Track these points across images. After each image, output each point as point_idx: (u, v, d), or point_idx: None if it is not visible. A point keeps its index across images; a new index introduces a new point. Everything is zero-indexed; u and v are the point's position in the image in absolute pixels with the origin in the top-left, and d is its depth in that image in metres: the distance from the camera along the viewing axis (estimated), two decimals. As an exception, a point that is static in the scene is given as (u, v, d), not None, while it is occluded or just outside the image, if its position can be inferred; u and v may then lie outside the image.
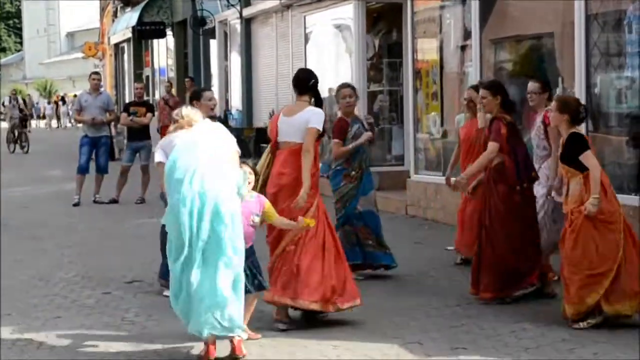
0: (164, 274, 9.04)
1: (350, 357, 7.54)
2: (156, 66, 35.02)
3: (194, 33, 28.42)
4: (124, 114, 18.44)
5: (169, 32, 31.63)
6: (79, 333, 8.34)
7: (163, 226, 7.75)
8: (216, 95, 27.21)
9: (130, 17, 34.43)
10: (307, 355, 7.58)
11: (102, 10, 45.78)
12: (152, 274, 10.86)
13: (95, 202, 17.70)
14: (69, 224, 15.24)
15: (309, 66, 20.01)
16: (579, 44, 11.65)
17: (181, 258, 7.17)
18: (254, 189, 8.03)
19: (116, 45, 40.58)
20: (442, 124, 15.32)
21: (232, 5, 23.98)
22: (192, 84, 26.23)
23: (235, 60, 25.43)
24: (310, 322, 8.55)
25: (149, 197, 17.39)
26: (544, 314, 8.75)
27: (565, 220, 8.52)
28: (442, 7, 15.36)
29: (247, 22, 24.07)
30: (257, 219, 7.86)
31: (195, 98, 9.56)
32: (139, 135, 18.17)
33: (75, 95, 37.93)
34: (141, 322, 8.77)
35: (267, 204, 8.00)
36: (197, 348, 7.59)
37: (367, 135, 10.57)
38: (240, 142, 9.39)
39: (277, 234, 8.48)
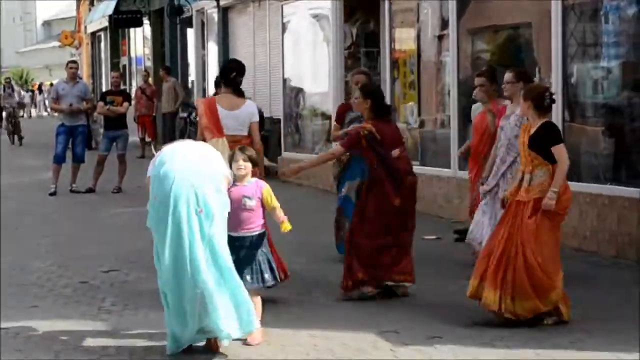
0: None
1: (327, 345, 7.55)
2: (133, 55, 34.87)
3: (171, 22, 28.32)
4: (101, 103, 18.38)
5: (145, 21, 31.49)
6: (55, 322, 8.31)
7: None
8: (195, 85, 27.24)
9: (107, 5, 34.27)
10: (283, 344, 7.58)
11: (79, -2, 45.56)
12: (129, 264, 10.86)
13: (71, 191, 17.63)
14: (46, 214, 15.19)
15: (287, 55, 20.07)
16: (555, 34, 11.69)
17: None
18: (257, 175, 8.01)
19: (93, 34, 40.41)
20: (419, 114, 15.33)
21: (209, -6, 23.94)
22: (166, 73, 26.19)
23: (213, 50, 25.37)
24: (286, 310, 8.57)
25: (125, 187, 17.36)
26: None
27: (509, 208, 8.27)
28: (419, -3, 15.37)
29: (224, 11, 24.02)
30: (248, 202, 7.78)
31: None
32: (116, 124, 18.11)
33: (52, 84, 37.68)
34: (118, 311, 8.76)
35: (265, 190, 7.84)
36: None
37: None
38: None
39: None
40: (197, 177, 7.13)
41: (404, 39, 15.88)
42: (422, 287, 9.45)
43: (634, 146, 10.93)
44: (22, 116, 34.97)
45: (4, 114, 36.01)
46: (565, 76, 11.63)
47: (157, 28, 30.44)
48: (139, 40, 33.90)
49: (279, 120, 20.28)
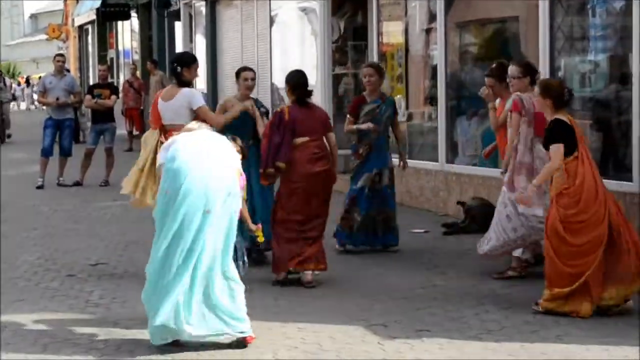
0: None
1: (315, 339, 7.56)
2: (120, 48, 34.80)
3: (159, 15, 28.25)
4: (88, 96, 18.33)
5: (133, 14, 31.41)
6: (43, 315, 8.30)
7: None
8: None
9: (94, -2, 34.21)
10: (271, 337, 7.58)
11: (66, -9, 45.43)
12: (117, 257, 10.84)
13: (59, 184, 17.60)
14: (33, 207, 15.15)
15: (274, 49, 20.03)
16: (543, 27, 11.69)
17: None
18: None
19: (80, 27, 40.28)
20: (407, 107, 15.33)
21: (197, -13, 23.88)
22: (154, 67, 26.13)
23: (201, 43, 25.30)
24: (274, 303, 8.57)
25: (113, 180, 17.32)
26: (506, 297, 8.81)
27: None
28: (407, -10, 15.36)
29: (212, 4, 23.96)
30: None
31: (236, 76, 10.41)
32: (103, 117, 18.08)
33: (39, 77, 37.48)
34: (105, 304, 8.75)
35: (243, 185, 7.82)
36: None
37: (367, 125, 10.90)
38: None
39: None
40: (210, 178, 7.18)
41: (392, 32, 15.88)
42: (411, 281, 9.47)
43: (622, 139, 10.94)
44: (17, 108, 34.35)
45: None
46: (553, 70, 11.63)
47: (145, 21, 30.36)
48: (127, 34, 33.81)
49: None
